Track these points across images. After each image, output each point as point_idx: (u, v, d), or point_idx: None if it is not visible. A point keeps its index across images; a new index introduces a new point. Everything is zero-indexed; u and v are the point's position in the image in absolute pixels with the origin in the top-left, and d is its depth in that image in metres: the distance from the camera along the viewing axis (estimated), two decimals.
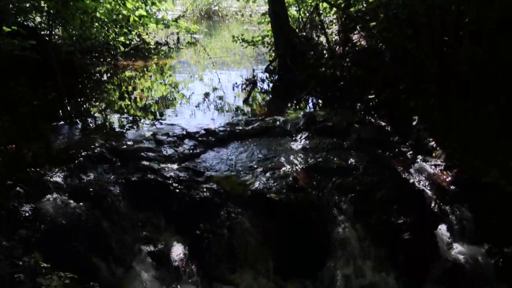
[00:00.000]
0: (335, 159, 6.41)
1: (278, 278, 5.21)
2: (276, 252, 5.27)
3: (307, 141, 7.05)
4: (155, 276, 4.99)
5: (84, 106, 9.29)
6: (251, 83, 11.17)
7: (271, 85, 11.82)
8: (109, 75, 12.43)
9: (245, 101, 10.16)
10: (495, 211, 5.77)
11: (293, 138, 7.30)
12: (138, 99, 10.15)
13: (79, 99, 9.58)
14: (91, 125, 8.02)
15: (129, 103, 9.90)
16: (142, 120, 8.39)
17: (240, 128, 7.54)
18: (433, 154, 7.03)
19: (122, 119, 8.43)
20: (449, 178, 6.38)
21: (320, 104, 9.99)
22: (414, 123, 7.69)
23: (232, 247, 5.24)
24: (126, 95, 10.55)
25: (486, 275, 5.39)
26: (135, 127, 7.95)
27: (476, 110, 7.06)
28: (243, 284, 5.10)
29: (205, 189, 5.67)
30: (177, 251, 5.22)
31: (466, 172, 6.27)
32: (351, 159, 6.37)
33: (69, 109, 8.77)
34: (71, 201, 5.16)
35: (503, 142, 6.46)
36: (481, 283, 5.34)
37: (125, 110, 9.26)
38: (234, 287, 5.08)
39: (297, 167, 6.20)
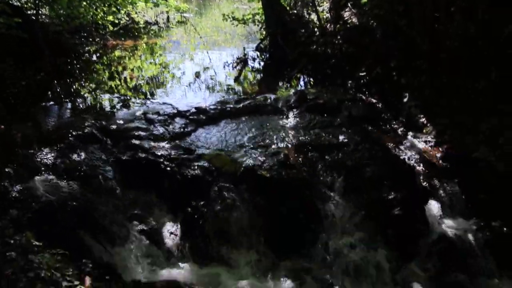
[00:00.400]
0: (326, 136, 6.42)
1: (271, 255, 5.23)
2: (268, 229, 5.30)
3: (298, 119, 7.05)
4: (146, 254, 5.00)
5: (74, 86, 9.20)
6: (242, 61, 11.09)
7: (262, 63, 11.77)
8: (98, 55, 12.30)
9: (236, 80, 10.11)
10: (484, 186, 5.82)
11: (284, 116, 7.29)
12: (128, 79, 10.07)
13: (68, 80, 9.48)
14: (81, 105, 7.96)
15: (119, 83, 9.81)
16: (133, 100, 8.33)
17: (231, 106, 7.51)
18: (424, 131, 7.06)
19: (113, 99, 8.37)
20: (439, 154, 6.42)
21: (311, 82, 9.97)
22: (405, 100, 7.70)
23: (224, 225, 5.26)
24: (116, 75, 10.46)
25: (475, 249, 5.45)
26: (125, 106, 7.89)
27: (467, 86, 7.07)
28: (236, 262, 5.12)
29: (196, 167, 5.67)
30: (169, 229, 5.25)
31: (456, 148, 6.31)
32: (342, 136, 6.39)
33: (58, 89, 8.67)
34: (62, 181, 5.15)
35: (494, 118, 6.49)
36: (470, 256, 5.39)
37: (116, 90, 9.18)
38: (226, 265, 5.09)
39: (288, 144, 6.21)
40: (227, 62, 11.34)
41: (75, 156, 5.64)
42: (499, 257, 5.38)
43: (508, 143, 5.84)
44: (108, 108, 7.83)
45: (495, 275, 5.27)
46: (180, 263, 5.00)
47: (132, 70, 10.96)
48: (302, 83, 10.03)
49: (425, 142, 6.77)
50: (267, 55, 11.93)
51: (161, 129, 6.54)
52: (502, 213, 5.56)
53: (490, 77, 6.88)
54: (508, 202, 5.55)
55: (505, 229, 5.44)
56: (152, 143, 6.12)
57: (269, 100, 7.78)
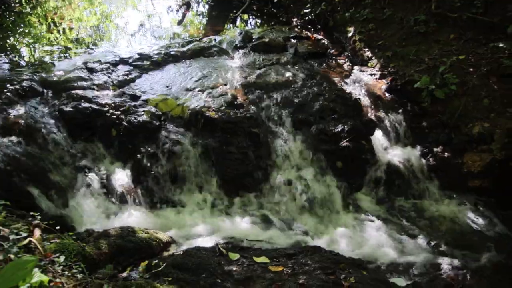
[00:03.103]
0: (273, 74, 6.40)
1: (223, 194, 5.30)
2: (219, 169, 5.33)
3: (244, 59, 6.99)
4: (99, 203, 4.95)
5: (8, 40, 8.67)
6: (185, 4, 10.75)
7: (206, 6, 11.43)
8: (31, 6, 11.56)
9: (180, 24, 9.83)
10: (426, 114, 6.03)
11: (230, 57, 7.21)
12: (68, 30, 9.57)
13: (0, 34, 8.92)
14: (17, 60, 7.53)
15: (58, 35, 9.31)
16: (74, 51, 7.96)
17: (176, 50, 7.33)
18: (369, 64, 7.17)
19: (51, 51, 7.95)
20: (384, 86, 6.55)
21: (257, 22, 9.80)
22: (350, 34, 7.74)
23: (175, 168, 5.25)
24: (54, 27, 9.91)
25: (419, 174, 5.71)
26: (65, 57, 7.52)
27: (409, 19, 7.16)
28: (188, 203, 5.16)
29: (143, 113, 5.57)
30: (120, 177, 5.18)
31: (399, 79, 6.45)
32: (288, 74, 6.39)
33: None
34: (2, 138, 4.93)
35: (435, 48, 6.64)
36: (415, 181, 5.65)
37: (55, 42, 8.72)
38: (179, 207, 5.13)
39: (235, 84, 6.16)
40: (170, 6, 10.96)
41: (14, 111, 5.37)
42: (441, 181, 5.66)
43: (447, 71, 6.02)
44: (47, 60, 7.44)
45: (438, 198, 5.56)
46: (133, 209, 4.97)
47: (71, 21, 10.40)
48: (247, 23, 9.85)
49: (371, 75, 6.88)
50: None
51: (103, 78, 6.31)
52: (443, 138, 5.80)
53: (430, 9, 7.00)
54: (449, 127, 5.79)
55: (446, 154, 5.69)
56: (96, 92, 5.92)
57: (213, 42, 7.64)
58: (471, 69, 5.99)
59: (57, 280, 2.68)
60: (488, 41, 6.26)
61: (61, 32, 9.47)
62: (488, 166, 5.30)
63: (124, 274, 3.44)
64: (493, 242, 4.72)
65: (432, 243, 4.70)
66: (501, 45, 6.02)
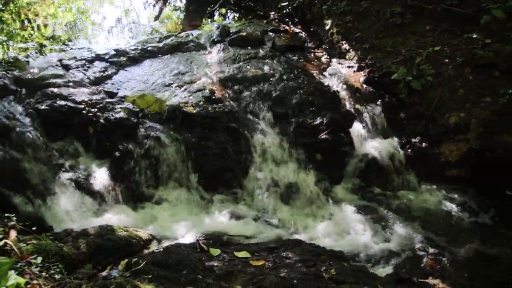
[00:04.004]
0: (251, 68, 6.39)
1: (202, 190, 5.28)
2: (199, 165, 5.30)
3: (222, 53, 6.95)
4: (77, 202, 4.88)
5: None
6: None
7: (183, 0, 11.33)
8: (3, 2, 11.29)
9: (157, 19, 9.74)
10: (403, 105, 6.09)
11: (208, 51, 7.17)
12: (42, 27, 9.38)
13: None
14: None
15: (32, 32, 9.12)
16: (49, 47, 7.80)
17: (153, 45, 7.26)
18: (347, 56, 7.20)
19: (26, 48, 7.76)
20: (362, 78, 6.59)
21: (235, 16, 9.77)
22: (327, 27, 7.76)
23: (154, 165, 5.22)
24: (28, 24, 9.70)
25: (398, 165, 5.77)
26: (40, 55, 7.37)
27: (386, 11, 7.21)
28: (168, 199, 5.13)
29: (120, 110, 5.51)
30: (98, 175, 5.11)
31: (377, 71, 6.50)
32: (266, 67, 6.39)
33: None
34: None
35: (411, 40, 6.70)
36: (394, 172, 5.71)
37: (29, 39, 8.54)
38: (158, 204, 5.09)
39: (213, 79, 6.13)
40: (147, 1, 10.84)
41: None
42: (419, 171, 5.74)
43: (423, 62, 6.08)
44: (21, 58, 7.29)
45: (416, 188, 5.63)
46: (112, 207, 4.92)
47: (46, 17, 10.20)
48: (225, 17, 9.80)
49: (348, 67, 6.92)
50: None
51: (79, 75, 6.22)
52: (421, 128, 5.87)
53: (406, 2, 7.06)
54: (426, 118, 5.86)
55: (424, 144, 5.76)
56: (72, 90, 5.81)
57: (191, 37, 7.59)
58: (447, 60, 6.07)
59: (35, 282, 2.64)
60: (462, 32, 6.34)
61: (35, 29, 9.28)
62: (465, 155, 5.38)
63: (104, 273, 3.41)
64: (471, 230, 4.81)
65: (412, 233, 4.75)
66: (475, 36, 6.10)
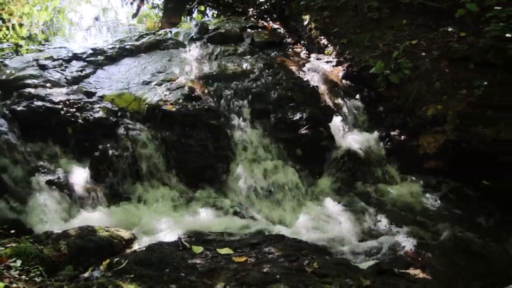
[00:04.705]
0: (230, 65, 6.39)
1: (184, 187, 5.26)
2: (180, 163, 5.29)
3: (201, 51, 6.94)
4: (57, 204, 4.81)
5: None
6: None
7: None
8: None
9: (135, 16, 9.66)
10: (382, 99, 6.16)
11: (187, 49, 7.14)
12: (18, 27, 9.21)
13: None
14: None
15: (7, 31, 8.96)
16: (25, 47, 7.68)
17: (131, 44, 7.20)
18: (325, 52, 7.24)
19: (1, 49, 7.64)
20: (340, 73, 6.64)
21: (214, 13, 9.74)
22: (306, 23, 7.78)
23: (134, 163, 5.18)
24: (3, 24, 9.52)
25: (377, 158, 5.83)
26: (16, 55, 7.25)
27: (362, 6, 7.26)
28: (150, 198, 5.10)
29: (98, 109, 5.45)
30: (78, 176, 5.04)
31: (355, 66, 6.55)
32: (245, 64, 6.40)
33: None
34: None
35: (388, 34, 6.77)
36: (374, 165, 5.77)
37: (4, 39, 8.39)
38: (141, 203, 5.06)
39: (192, 76, 6.11)
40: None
41: None
42: (399, 164, 5.82)
43: (400, 56, 6.15)
44: None
45: (396, 180, 5.70)
46: (93, 208, 4.87)
47: (21, 17, 10.01)
48: (203, 14, 9.77)
49: (327, 62, 6.97)
50: None
51: (56, 75, 6.12)
52: (399, 121, 5.94)
53: None
54: (404, 111, 5.94)
55: (402, 137, 5.83)
56: (49, 90, 5.72)
57: (169, 35, 7.56)
58: (423, 54, 6.15)
59: (14, 285, 2.61)
60: (438, 26, 6.43)
61: (10, 28, 9.12)
62: (442, 147, 5.47)
63: (86, 274, 3.38)
64: (450, 221, 4.89)
65: (393, 225, 4.82)
66: (450, 29, 6.20)
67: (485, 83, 5.32)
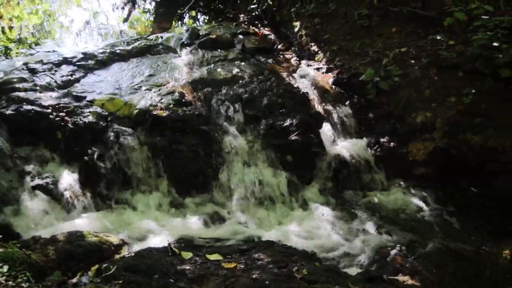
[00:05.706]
0: (221, 71, 6.41)
1: (174, 193, 5.24)
2: (169, 168, 5.28)
3: (192, 56, 6.95)
4: (45, 209, 4.78)
5: None
6: (130, 1, 10.54)
7: (153, 3, 11.25)
8: None
9: (125, 21, 9.65)
10: (372, 106, 6.20)
11: (177, 54, 7.16)
12: (7, 30, 9.16)
13: None
14: None
15: None
16: (14, 51, 7.64)
17: (122, 48, 7.18)
18: (316, 58, 7.28)
19: None
20: (331, 80, 6.68)
21: (205, 18, 9.77)
22: (296, 29, 7.82)
23: (124, 169, 5.17)
24: None
25: (367, 164, 5.86)
26: (5, 58, 7.20)
27: (352, 13, 7.33)
28: (139, 204, 5.08)
29: (88, 114, 5.43)
30: (67, 180, 5.00)
31: (345, 72, 6.59)
32: (236, 70, 6.42)
33: None
34: None
35: (379, 42, 6.83)
36: (363, 172, 5.80)
37: None
38: (130, 208, 5.03)
39: (182, 82, 6.12)
40: (115, 3, 10.73)
41: None
42: (388, 171, 5.85)
43: (390, 63, 6.21)
44: None
45: (385, 187, 5.73)
46: (82, 213, 4.83)
47: (11, 19, 9.95)
48: (194, 19, 9.79)
49: (317, 69, 7.00)
50: None
51: (46, 79, 6.09)
52: (389, 128, 5.98)
53: (373, 4, 7.19)
54: (394, 118, 5.98)
55: (392, 144, 5.87)
56: (38, 94, 5.70)
57: (160, 40, 7.56)
58: (413, 61, 6.21)
59: None
60: (427, 34, 6.50)
61: (0, 31, 9.07)
62: (431, 154, 5.51)
63: (74, 280, 3.36)
64: (439, 227, 4.91)
65: (381, 232, 4.84)
66: (439, 37, 6.27)
67: (473, 91, 5.39)
